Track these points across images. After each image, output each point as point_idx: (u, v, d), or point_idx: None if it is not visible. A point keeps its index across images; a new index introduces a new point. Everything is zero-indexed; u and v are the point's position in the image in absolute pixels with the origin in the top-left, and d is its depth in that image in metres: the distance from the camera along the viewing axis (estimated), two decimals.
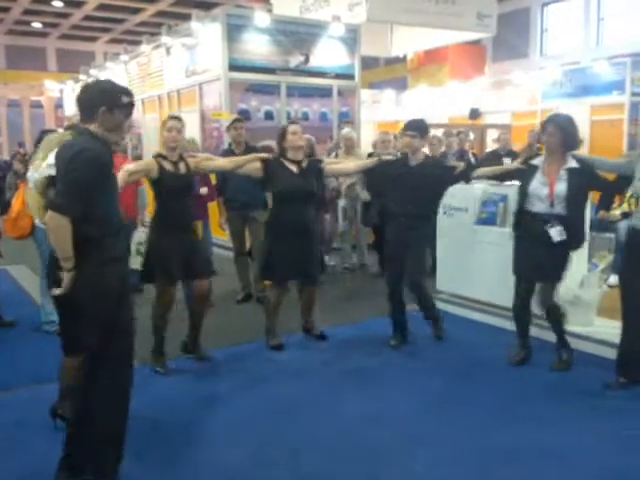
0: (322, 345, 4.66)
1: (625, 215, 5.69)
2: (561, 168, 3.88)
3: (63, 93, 16.61)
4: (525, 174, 4.05)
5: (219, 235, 6.73)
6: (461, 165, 4.50)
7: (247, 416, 3.52)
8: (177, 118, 4.20)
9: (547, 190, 3.86)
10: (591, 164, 3.93)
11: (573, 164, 3.88)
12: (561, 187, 3.84)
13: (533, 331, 4.54)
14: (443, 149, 8.11)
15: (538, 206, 3.91)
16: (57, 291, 2.62)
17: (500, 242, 5.03)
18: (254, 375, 4.11)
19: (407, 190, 4.34)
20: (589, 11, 17.62)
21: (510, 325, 4.88)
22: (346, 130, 7.16)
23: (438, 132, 11.09)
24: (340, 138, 7.10)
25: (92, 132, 2.62)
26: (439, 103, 15.53)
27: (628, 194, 5.74)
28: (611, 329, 4.38)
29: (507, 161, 7.32)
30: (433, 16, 10.60)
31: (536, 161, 4.04)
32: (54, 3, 19.71)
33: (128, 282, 2.83)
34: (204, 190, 5.43)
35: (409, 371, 4.18)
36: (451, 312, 5.44)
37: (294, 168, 4.44)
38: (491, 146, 9.96)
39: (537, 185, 3.91)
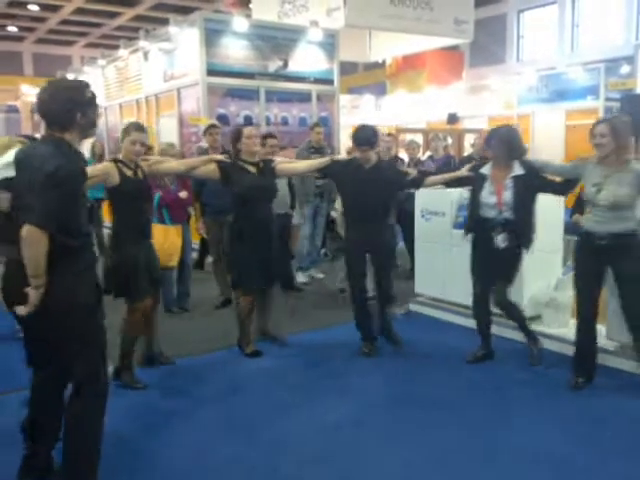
0: (293, 351, 4.64)
1: None
2: (507, 176, 4.05)
3: None
4: (475, 182, 4.20)
5: (197, 240, 6.71)
6: (414, 172, 4.59)
7: (223, 420, 3.51)
8: (141, 129, 3.97)
9: (495, 199, 4.04)
10: (537, 168, 4.10)
11: (519, 171, 4.04)
12: (507, 195, 4.01)
13: (508, 333, 4.61)
14: (428, 153, 8.10)
15: (488, 212, 4.08)
16: (22, 310, 2.45)
17: None
18: (230, 382, 4.09)
19: (362, 193, 4.34)
20: (564, 18, 17.91)
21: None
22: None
23: (417, 137, 11.21)
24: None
25: (68, 143, 2.54)
26: (418, 108, 15.68)
27: None
28: None
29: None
30: (411, 22, 10.73)
31: (484, 170, 4.18)
32: (30, 7, 19.49)
33: (100, 290, 2.77)
34: (184, 194, 5.38)
35: (384, 375, 4.19)
36: (429, 315, 5.48)
37: (252, 169, 4.42)
38: (468, 150, 10.09)
39: (486, 194, 4.08)
